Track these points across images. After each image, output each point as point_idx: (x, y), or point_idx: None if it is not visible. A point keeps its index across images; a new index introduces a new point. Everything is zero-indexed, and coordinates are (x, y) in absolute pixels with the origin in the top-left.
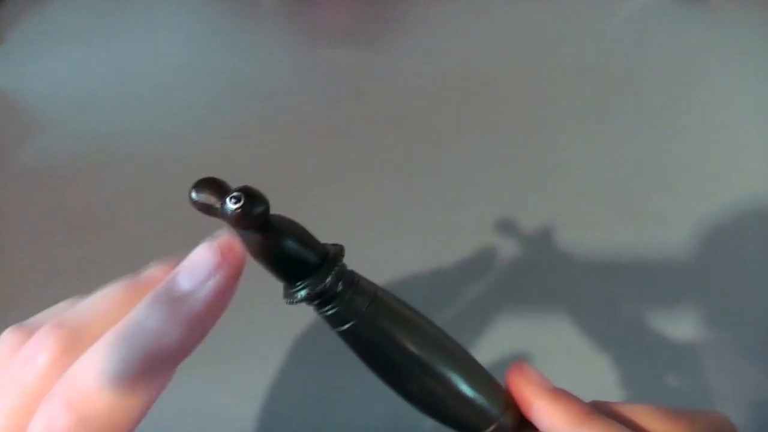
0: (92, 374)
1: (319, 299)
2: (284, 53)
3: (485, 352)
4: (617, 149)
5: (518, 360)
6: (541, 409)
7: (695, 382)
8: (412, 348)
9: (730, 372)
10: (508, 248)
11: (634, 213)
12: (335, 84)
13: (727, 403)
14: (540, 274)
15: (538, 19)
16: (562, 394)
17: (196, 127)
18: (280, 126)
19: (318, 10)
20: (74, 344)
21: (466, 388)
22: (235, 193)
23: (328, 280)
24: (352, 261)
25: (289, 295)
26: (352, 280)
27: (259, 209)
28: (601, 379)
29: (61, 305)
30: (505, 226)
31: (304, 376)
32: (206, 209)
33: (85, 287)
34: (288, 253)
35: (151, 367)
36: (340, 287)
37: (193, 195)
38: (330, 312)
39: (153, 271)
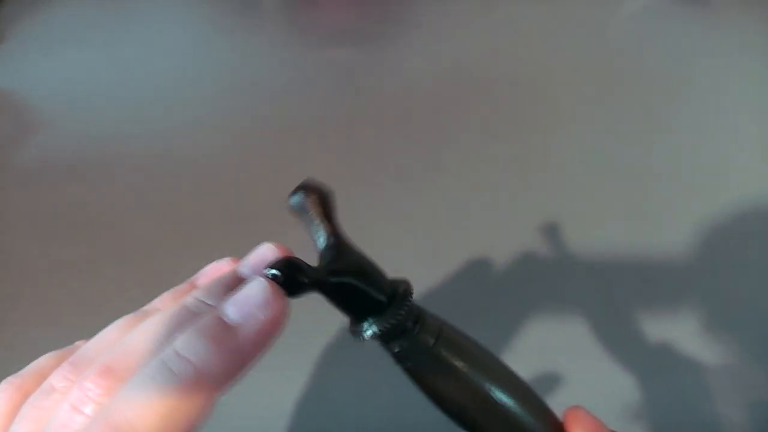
0: (129, 404)
1: (387, 336)
2: (284, 53)
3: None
4: (617, 149)
5: (574, 406)
6: None
7: (695, 382)
8: (479, 383)
9: (730, 372)
10: (508, 248)
11: (634, 213)
12: (335, 84)
13: (727, 403)
14: (540, 273)
15: (538, 19)
16: None
17: (196, 127)
18: (280, 126)
19: (318, 10)
20: None
21: (529, 422)
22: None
23: (399, 318)
24: None
25: (356, 333)
26: (419, 317)
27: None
28: (600, 378)
29: (110, 335)
30: (505, 226)
31: (305, 376)
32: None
33: (85, 287)
34: (357, 290)
35: (191, 395)
36: (409, 325)
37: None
38: (398, 349)
39: (196, 301)
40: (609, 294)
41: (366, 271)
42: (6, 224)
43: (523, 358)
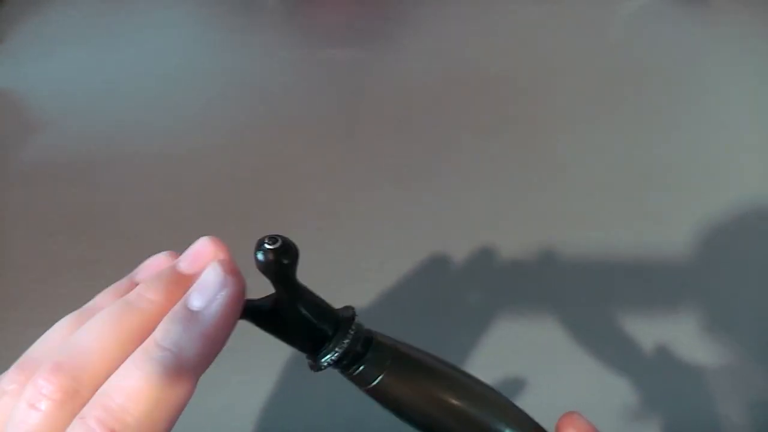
0: (121, 392)
1: (342, 363)
2: (284, 53)
3: (484, 352)
4: (617, 149)
5: (569, 411)
6: None
7: (695, 382)
8: (442, 394)
9: (730, 372)
10: (508, 248)
11: (634, 213)
12: (335, 84)
13: (727, 403)
14: (540, 273)
15: (538, 20)
16: None
17: (196, 126)
18: (280, 126)
19: (318, 10)
20: (74, 388)
21: (498, 427)
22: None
23: (347, 342)
24: (352, 261)
25: (314, 366)
26: (371, 338)
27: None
28: (600, 379)
29: (54, 335)
30: (505, 226)
31: (303, 375)
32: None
33: (85, 287)
34: (303, 321)
35: (173, 382)
36: (359, 348)
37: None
38: (356, 372)
39: (137, 296)
40: (609, 294)
41: (312, 298)
42: (6, 224)
43: (523, 358)
